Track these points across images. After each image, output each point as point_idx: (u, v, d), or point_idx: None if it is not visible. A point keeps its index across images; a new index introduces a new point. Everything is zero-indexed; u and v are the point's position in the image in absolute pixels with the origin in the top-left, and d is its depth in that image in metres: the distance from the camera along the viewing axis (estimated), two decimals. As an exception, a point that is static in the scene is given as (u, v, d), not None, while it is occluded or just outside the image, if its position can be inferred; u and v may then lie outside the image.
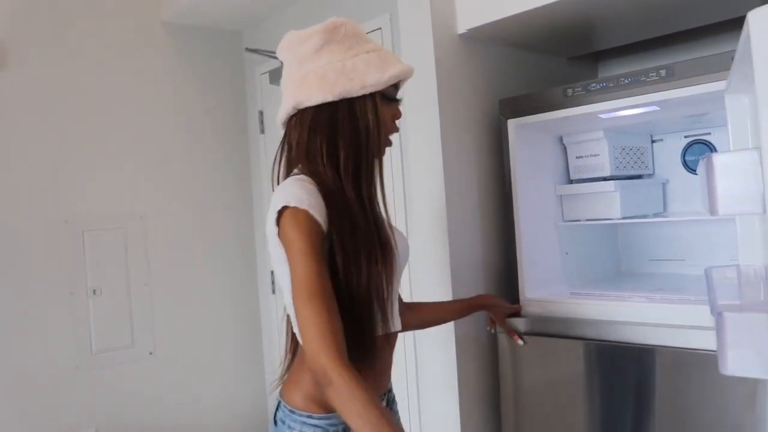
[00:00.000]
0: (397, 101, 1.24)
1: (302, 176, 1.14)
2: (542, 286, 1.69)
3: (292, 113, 1.19)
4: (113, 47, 2.79)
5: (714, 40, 1.85)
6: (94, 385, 2.67)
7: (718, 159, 0.81)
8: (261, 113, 3.10)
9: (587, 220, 1.74)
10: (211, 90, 3.09)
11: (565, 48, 2.04)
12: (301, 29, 1.19)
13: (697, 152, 1.81)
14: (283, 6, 2.83)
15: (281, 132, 1.24)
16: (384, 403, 1.25)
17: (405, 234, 1.39)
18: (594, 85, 1.50)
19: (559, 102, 1.56)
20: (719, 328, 0.77)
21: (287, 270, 1.07)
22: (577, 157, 1.77)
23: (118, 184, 2.79)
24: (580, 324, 1.52)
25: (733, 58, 0.98)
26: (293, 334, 1.21)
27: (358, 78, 1.15)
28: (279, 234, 1.09)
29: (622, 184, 1.68)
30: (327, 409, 1.11)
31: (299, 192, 1.08)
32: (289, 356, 1.24)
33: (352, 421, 0.97)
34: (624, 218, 1.67)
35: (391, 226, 1.23)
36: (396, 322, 1.23)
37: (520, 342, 1.61)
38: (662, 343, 1.37)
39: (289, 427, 1.15)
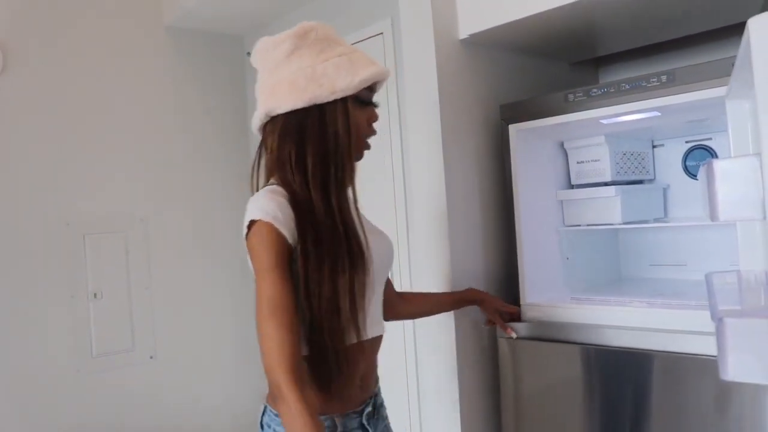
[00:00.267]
0: (372, 104, 1.22)
1: (275, 187, 1.14)
2: (543, 290, 1.69)
3: (265, 120, 1.19)
4: (114, 49, 2.80)
5: (715, 47, 1.85)
6: (95, 389, 2.67)
7: (718, 165, 0.81)
8: (262, 116, 3.11)
9: (588, 225, 1.74)
10: (211, 91, 3.11)
11: (567, 53, 2.05)
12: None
13: (698, 158, 1.82)
14: (284, 11, 2.84)
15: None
16: (370, 408, 1.24)
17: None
18: (595, 90, 1.51)
19: (560, 107, 1.57)
20: (720, 334, 0.77)
21: None
22: (578, 162, 1.77)
23: (119, 186, 2.80)
24: (580, 329, 1.52)
25: (733, 64, 0.98)
26: None
27: (327, 83, 1.14)
28: (247, 247, 1.11)
29: (623, 190, 1.68)
30: None
31: (268, 205, 1.09)
32: None
33: None
34: (625, 223, 1.67)
35: (371, 230, 1.23)
36: (375, 328, 1.23)
37: (513, 335, 1.61)
38: (663, 349, 1.37)
39: (275, 431, 1.16)
